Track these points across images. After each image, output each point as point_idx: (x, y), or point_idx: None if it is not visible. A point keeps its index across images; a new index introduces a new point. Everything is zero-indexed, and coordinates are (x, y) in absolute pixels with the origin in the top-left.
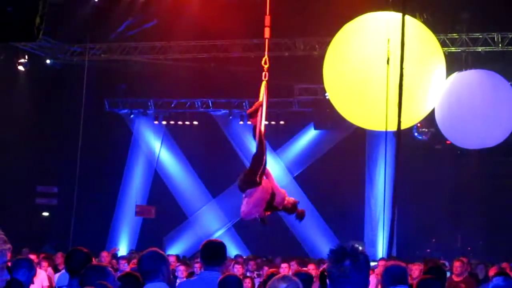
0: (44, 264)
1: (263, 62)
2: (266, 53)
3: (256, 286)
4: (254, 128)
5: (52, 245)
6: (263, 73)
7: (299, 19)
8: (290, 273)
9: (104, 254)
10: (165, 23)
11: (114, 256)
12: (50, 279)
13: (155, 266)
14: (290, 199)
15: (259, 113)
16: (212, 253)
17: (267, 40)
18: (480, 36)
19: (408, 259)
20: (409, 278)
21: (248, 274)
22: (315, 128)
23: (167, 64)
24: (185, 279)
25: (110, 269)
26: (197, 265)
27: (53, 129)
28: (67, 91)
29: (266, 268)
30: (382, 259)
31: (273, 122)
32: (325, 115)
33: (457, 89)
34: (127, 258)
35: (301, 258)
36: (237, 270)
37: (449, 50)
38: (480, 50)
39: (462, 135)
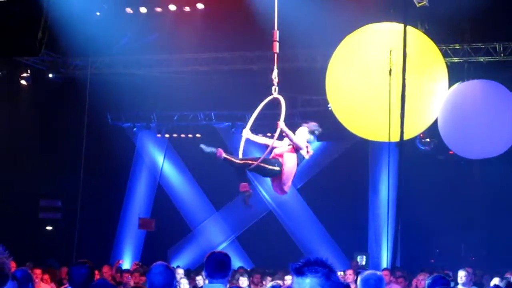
0: (46, 278)
1: (273, 76)
2: (275, 67)
3: None
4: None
5: (56, 259)
6: (273, 87)
7: (301, 31)
8: None
9: (106, 269)
10: (167, 36)
11: (118, 269)
12: None
13: (167, 281)
14: None
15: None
16: (216, 264)
17: (276, 54)
18: (482, 46)
19: (412, 269)
20: None
21: (252, 286)
22: (318, 140)
23: (169, 77)
24: None
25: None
26: (198, 277)
27: (56, 143)
28: (69, 105)
29: (269, 279)
30: (385, 269)
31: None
32: (328, 126)
33: (460, 99)
34: (131, 272)
35: None
36: (242, 282)
37: (451, 61)
38: (482, 60)
39: (465, 145)
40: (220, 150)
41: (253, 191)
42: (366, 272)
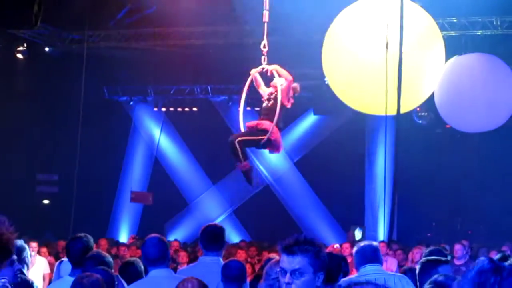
0: (44, 251)
1: (262, 46)
2: (265, 37)
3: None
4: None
5: (53, 233)
6: (262, 57)
7: (297, 4)
8: None
9: (103, 242)
10: (164, 9)
11: (116, 242)
12: (51, 267)
13: (161, 253)
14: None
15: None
16: (211, 237)
17: (266, 24)
18: (480, 20)
19: (408, 243)
20: (411, 262)
21: (249, 259)
22: (315, 113)
23: (166, 50)
24: (185, 265)
25: (109, 257)
26: None
27: (53, 117)
28: (66, 78)
29: (266, 253)
30: (381, 242)
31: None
32: (324, 100)
33: (457, 73)
34: (128, 245)
35: None
36: (240, 255)
37: (448, 34)
38: (479, 33)
39: (462, 119)
40: (244, 164)
41: (252, 165)
42: (362, 243)
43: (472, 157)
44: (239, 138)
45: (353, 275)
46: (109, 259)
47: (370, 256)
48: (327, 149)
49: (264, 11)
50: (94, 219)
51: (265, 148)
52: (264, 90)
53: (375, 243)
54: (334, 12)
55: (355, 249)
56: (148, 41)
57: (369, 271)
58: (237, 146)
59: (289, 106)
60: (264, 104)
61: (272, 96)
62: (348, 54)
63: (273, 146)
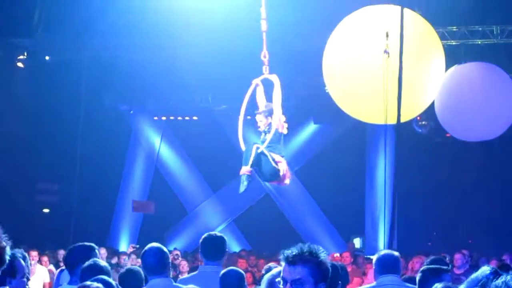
0: (45, 260)
1: (262, 56)
2: (264, 47)
3: None
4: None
5: (53, 242)
6: (264, 67)
7: (298, 13)
8: None
9: (102, 251)
10: (165, 19)
11: (115, 251)
12: (52, 276)
13: (161, 262)
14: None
15: None
16: (211, 246)
17: (264, 33)
18: (479, 29)
19: (409, 252)
20: (410, 271)
21: (249, 268)
22: (315, 122)
23: (166, 59)
24: (186, 274)
25: (107, 266)
26: None
27: (53, 125)
28: (66, 87)
29: (263, 262)
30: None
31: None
32: (324, 109)
33: (457, 82)
34: (128, 254)
35: None
36: (240, 264)
37: (448, 43)
38: (479, 42)
39: (462, 127)
40: (247, 169)
41: (251, 174)
42: (383, 252)
43: (473, 166)
44: (259, 145)
45: (371, 284)
46: (107, 268)
47: (389, 266)
48: (327, 158)
49: (262, 21)
50: (94, 228)
51: (272, 180)
52: (261, 109)
53: (395, 253)
54: (335, 21)
55: (375, 257)
56: (148, 50)
57: (386, 281)
58: (254, 150)
59: (286, 132)
60: (261, 136)
61: (266, 129)
62: (348, 63)
63: (280, 179)
